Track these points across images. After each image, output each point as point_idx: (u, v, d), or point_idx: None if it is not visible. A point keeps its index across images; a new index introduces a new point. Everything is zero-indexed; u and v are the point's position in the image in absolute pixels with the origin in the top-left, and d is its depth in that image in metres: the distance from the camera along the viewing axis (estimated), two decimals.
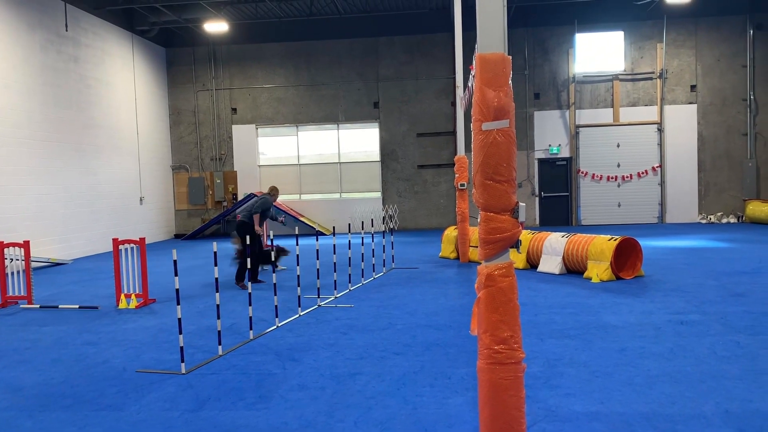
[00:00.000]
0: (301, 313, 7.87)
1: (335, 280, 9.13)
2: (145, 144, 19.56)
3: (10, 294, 9.31)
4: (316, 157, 21.49)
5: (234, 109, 21.30)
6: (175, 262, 5.72)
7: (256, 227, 10.00)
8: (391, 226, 15.57)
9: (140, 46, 19.56)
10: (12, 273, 9.38)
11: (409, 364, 5.61)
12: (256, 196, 20.32)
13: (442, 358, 5.78)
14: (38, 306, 8.81)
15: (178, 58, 21.33)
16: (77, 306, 8.57)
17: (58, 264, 14.13)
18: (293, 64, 21.01)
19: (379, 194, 21.10)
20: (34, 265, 12.60)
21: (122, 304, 8.79)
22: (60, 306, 8.67)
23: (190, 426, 4.33)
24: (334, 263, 9.07)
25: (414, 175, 20.88)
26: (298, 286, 7.95)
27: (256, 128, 21.35)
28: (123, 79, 18.41)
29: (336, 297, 8.90)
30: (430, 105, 20.61)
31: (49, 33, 14.94)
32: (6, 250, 9.34)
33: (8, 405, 4.89)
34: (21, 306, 9.00)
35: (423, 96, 20.64)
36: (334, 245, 9.22)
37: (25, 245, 9.33)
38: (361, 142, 21.42)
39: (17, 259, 9.44)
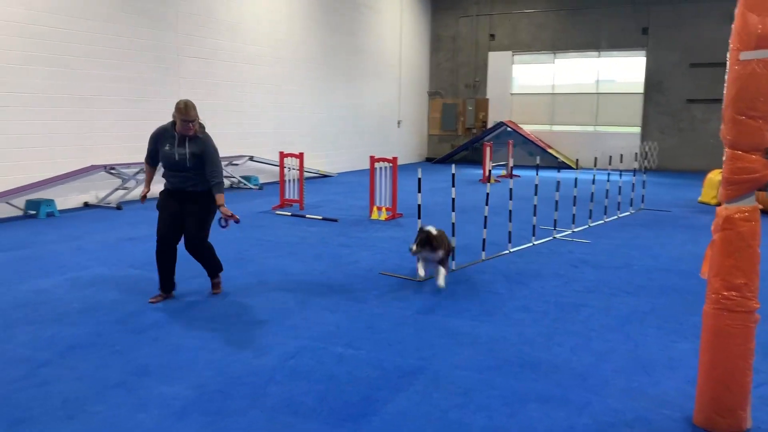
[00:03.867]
0: (535, 243, 7.98)
1: (574, 214, 8.99)
2: (405, 69, 20.62)
3: (287, 197, 10.88)
4: (571, 87, 20.65)
5: (492, 36, 21.24)
6: (419, 180, 6.20)
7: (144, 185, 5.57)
8: (647, 165, 14.53)
9: None
10: (289, 180, 10.90)
11: (638, 304, 5.46)
12: (504, 125, 20.39)
13: (677, 303, 5.51)
14: (289, 214, 10.15)
15: None
16: (320, 217, 9.70)
17: (325, 176, 15.96)
18: None
19: (638, 129, 19.69)
20: (306, 175, 14.38)
21: (374, 216, 9.77)
22: (307, 216, 9.89)
23: (419, 324, 4.84)
24: (574, 197, 8.92)
25: (681, 111, 19.00)
26: (534, 215, 8.03)
27: (512, 55, 21.10)
28: (390, 6, 19.43)
29: (573, 231, 8.80)
30: (709, 31, 18.29)
31: None
32: (285, 159, 10.87)
33: (279, 287, 5.91)
34: (276, 212, 10.48)
35: (702, 20, 18.37)
36: (576, 179, 9.02)
37: (300, 157, 10.76)
38: (622, 72, 19.99)
39: (294, 169, 10.93)
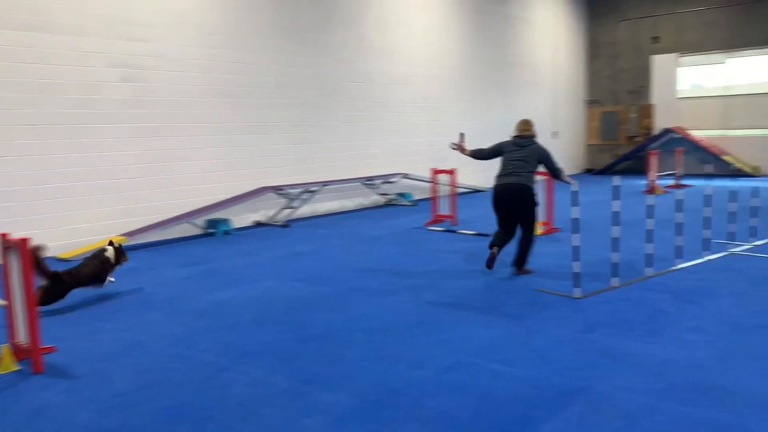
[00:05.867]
0: (709, 258, 7.37)
1: (754, 227, 8.18)
2: (561, 79, 20.05)
3: (440, 213, 11.01)
4: (748, 87, 18.83)
5: (655, 38, 20.02)
6: (574, 192, 6.01)
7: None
8: None
9: None
10: (441, 196, 11.03)
11: None
12: (672, 132, 19.01)
13: None
14: (442, 229, 10.23)
15: None
16: (473, 233, 9.67)
17: (477, 191, 15.91)
18: None
19: None
20: (459, 190, 14.45)
21: None
22: (459, 231, 9.92)
23: (578, 343, 4.68)
24: (756, 207, 8.12)
25: None
26: (708, 228, 7.42)
27: (678, 57, 19.71)
28: (543, 16, 19.04)
29: (754, 245, 8.00)
30: None
31: None
32: (437, 176, 11.02)
33: (433, 301, 5.99)
34: (429, 228, 10.59)
35: None
36: (757, 188, 8.21)
37: (452, 172, 10.86)
38: None
39: (446, 185, 11.05)
